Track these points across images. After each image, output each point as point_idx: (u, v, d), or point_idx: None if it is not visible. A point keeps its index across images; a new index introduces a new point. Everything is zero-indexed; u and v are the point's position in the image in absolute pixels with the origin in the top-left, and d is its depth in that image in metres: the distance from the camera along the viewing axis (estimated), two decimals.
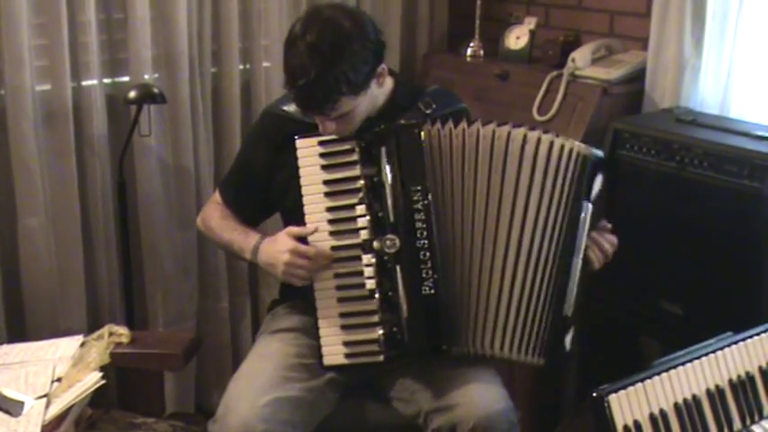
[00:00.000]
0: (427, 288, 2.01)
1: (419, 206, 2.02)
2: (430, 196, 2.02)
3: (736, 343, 1.79)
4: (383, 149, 2.02)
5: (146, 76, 2.79)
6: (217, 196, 2.36)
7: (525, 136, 2.03)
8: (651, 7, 2.79)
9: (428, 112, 2.17)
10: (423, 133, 2.04)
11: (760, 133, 2.43)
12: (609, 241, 2.13)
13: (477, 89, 3.11)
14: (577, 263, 2.04)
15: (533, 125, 2.10)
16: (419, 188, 2.02)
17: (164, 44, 2.83)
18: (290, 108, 2.17)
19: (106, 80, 2.78)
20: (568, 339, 2.07)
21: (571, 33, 3.12)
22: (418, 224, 2.01)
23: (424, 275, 2.01)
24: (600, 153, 2.07)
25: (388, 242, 2.01)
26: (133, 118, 2.69)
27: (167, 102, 2.75)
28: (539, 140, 2.02)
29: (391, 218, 2.01)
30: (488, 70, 3.13)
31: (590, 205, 2.04)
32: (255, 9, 3.01)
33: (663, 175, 2.47)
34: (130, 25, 2.75)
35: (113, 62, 2.82)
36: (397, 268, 2.01)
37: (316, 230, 2.06)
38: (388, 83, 2.17)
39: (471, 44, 3.27)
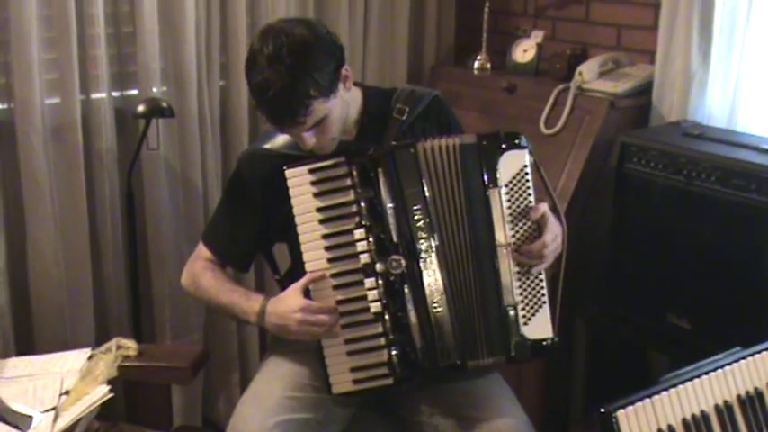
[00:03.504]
0: (436, 305, 2.01)
1: (421, 224, 2.01)
2: (431, 214, 2.02)
3: (744, 358, 1.77)
4: (380, 171, 2.02)
5: (154, 89, 2.81)
6: (203, 252, 2.25)
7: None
8: (658, 21, 2.79)
9: (404, 118, 2.17)
10: (418, 151, 2.04)
11: (767, 147, 2.42)
12: (533, 253, 2.05)
13: (483, 102, 3.12)
14: (502, 249, 2.02)
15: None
16: (419, 207, 2.02)
17: (172, 57, 2.85)
18: (269, 145, 2.17)
19: (115, 93, 2.80)
20: (533, 329, 2.04)
21: (578, 47, 3.12)
22: (422, 243, 2.01)
23: (432, 292, 2.01)
24: (490, 136, 2.06)
25: (393, 263, 2.00)
26: (142, 132, 2.70)
27: (175, 115, 2.76)
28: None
29: (394, 239, 2.01)
30: (495, 83, 3.13)
31: (498, 190, 2.03)
32: (263, 22, 2.98)
33: (670, 188, 2.47)
34: (139, 39, 2.77)
35: (122, 75, 2.84)
36: (405, 288, 2.00)
37: (323, 277, 2.02)
38: (357, 94, 2.17)
39: (478, 57, 3.28)
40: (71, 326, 2.75)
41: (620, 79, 2.86)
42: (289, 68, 1.91)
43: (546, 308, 2.06)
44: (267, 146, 2.18)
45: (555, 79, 3.03)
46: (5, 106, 2.63)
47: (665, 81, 2.79)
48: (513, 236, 2.04)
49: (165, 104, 2.69)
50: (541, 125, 2.88)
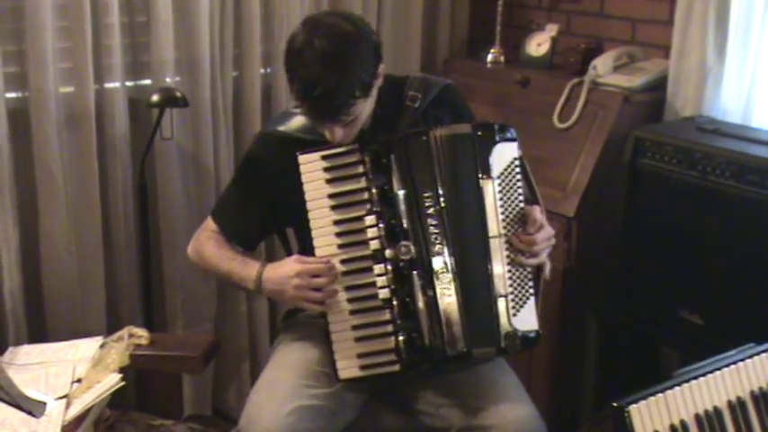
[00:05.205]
0: (445, 292, 2.01)
1: (431, 211, 2.02)
2: (442, 200, 2.02)
3: (757, 354, 1.77)
4: (392, 158, 2.02)
5: (167, 79, 2.81)
6: (210, 224, 2.26)
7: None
8: (674, 15, 2.78)
9: (416, 105, 2.16)
10: (430, 139, 2.04)
11: None
12: (525, 242, 2.05)
13: (497, 95, 3.11)
14: (495, 240, 2.03)
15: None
16: (430, 194, 2.02)
17: (186, 47, 2.85)
18: (284, 128, 2.16)
19: (129, 83, 2.80)
20: (521, 320, 2.04)
21: (593, 40, 3.11)
22: (432, 229, 2.01)
23: (440, 280, 2.01)
24: (485, 127, 2.07)
25: (402, 249, 2.00)
26: (155, 121, 2.71)
27: (189, 105, 2.76)
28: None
29: (405, 225, 2.01)
30: (509, 76, 3.12)
31: (491, 181, 2.04)
32: (277, 13, 3.02)
33: (684, 184, 2.46)
34: (153, 28, 2.77)
35: (136, 65, 2.84)
36: (414, 274, 2.00)
37: (328, 263, 2.02)
38: None
39: (492, 50, 3.26)
40: (83, 314, 2.76)
41: (634, 74, 2.85)
42: (339, 69, 1.91)
43: (532, 300, 2.07)
44: (282, 128, 2.17)
45: (569, 73, 3.02)
46: (20, 95, 2.62)
47: (680, 76, 2.78)
48: (505, 227, 2.04)
49: (178, 94, 2.69)
50: (555, 119, 2.88)
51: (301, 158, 2.05)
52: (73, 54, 2.64)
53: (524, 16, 3.37)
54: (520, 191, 2.07)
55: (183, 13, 2.81)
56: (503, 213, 2.05)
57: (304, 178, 2.04)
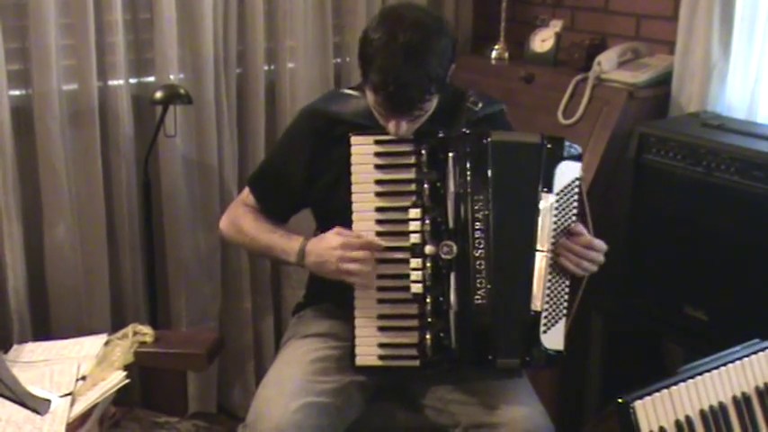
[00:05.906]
0: (479, 297, 2.00)
1: (480, 215, 2.00)
2: (491, 206, 2.00)
3: (762, 350, 1.77)
4: (451, 156, 2.01)
5: (171, 77, 2.80)
6: (246, 197, 2.28)
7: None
8: (678, 11, 2.77)
9: (477, 108, 2.16)
10: (491, 142, 2.03)
11: None
12: (585, 245, 2.05)
13: (501, 92, 3.08)
14: (541, 255, 2.02)
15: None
16: (481, 197, 2.01)
17: (189, 44, 2.85)
18: (337, 109, 2.15)
19: (132, 80, 2.80)
20: (550, 339, 2.04)
21: (597, 36, 3.10)
22: (477, 233, 2.00)
23: (477, 284, 2.00)
24: (555, 140, 2.06)
25: (445, 248, 1.99)
26: (159, 118, 2.71)
27: (192, 102, 2.76)
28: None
29: (451, 224, 2.00)
30: (513, 73, 3.12)
31: (550, 196, 2.02)
32: (281, 10, 3.01)
33: (689, 180, 2.46)
34: (156, 25, 2.77)
35: (139, 62, 2.84)
36: (452, 275, 1.99)
37: (374, 244, 2.02)
38: None
39: (496, 46, 3.26)
40: (87, 312, 2.76)
41: (639, 69, 2.84)
42: (420, 63, 1.91)
43: (563, 321, 2.06)
44: (334, 108, 2.16)
45: (573, 69, 3.01)
46: (23, 92, 2.63)
47: (685, 71, 2.77)
48: (553, 243, 2.03)
49: (182, 91, 2.69)
50: (559, 115, 2.87)
51: (354, 140, 2.04)
52: (76, 51, 2.64)
53: (529, 12, 3.37)
54: (575, 211, 2.06)
55: (186, 9, 2.81)
56: (554, 230, 2.03)
57: (353, 159, 2.04)
